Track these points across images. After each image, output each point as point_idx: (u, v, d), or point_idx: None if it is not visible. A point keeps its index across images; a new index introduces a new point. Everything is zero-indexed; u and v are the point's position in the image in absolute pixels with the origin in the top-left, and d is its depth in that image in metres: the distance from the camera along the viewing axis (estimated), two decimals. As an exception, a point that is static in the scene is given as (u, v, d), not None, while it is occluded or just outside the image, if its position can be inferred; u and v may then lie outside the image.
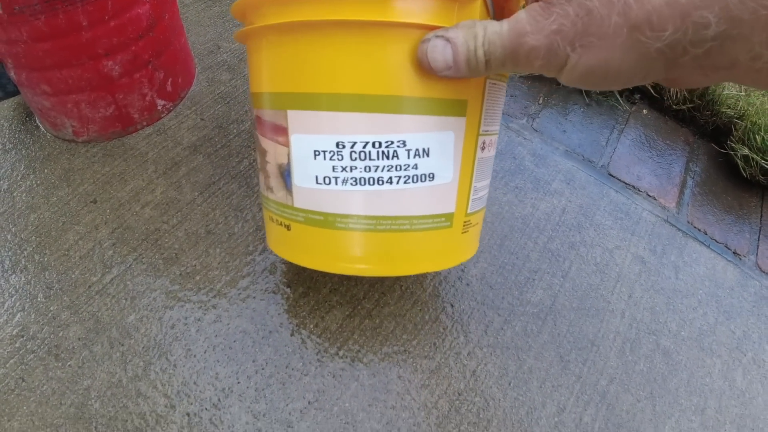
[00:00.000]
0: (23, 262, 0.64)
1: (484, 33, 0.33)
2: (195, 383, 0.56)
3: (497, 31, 0.33)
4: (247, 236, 0.67)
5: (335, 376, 0.58)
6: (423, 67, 0.38)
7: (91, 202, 0.69)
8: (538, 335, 0.65)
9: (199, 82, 0.82)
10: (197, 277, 0.63)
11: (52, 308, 0.61)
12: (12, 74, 0.68)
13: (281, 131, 0.46)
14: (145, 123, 0.76)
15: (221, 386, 0.56)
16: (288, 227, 0.49)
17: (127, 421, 0.54)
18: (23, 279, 0.63)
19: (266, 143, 0.49)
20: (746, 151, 0.86)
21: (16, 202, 0.70)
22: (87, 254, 0.65)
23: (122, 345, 0.59)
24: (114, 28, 0.65)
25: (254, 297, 0.62)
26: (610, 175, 0.84)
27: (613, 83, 0.31)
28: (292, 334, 0.60)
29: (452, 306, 0.65)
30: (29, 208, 0.69)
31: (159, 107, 0.76)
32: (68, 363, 0.57)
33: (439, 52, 0.36)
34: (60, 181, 0.71)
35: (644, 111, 0.95)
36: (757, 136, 0.86)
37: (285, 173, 0.48)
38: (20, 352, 0.57)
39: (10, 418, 0.54)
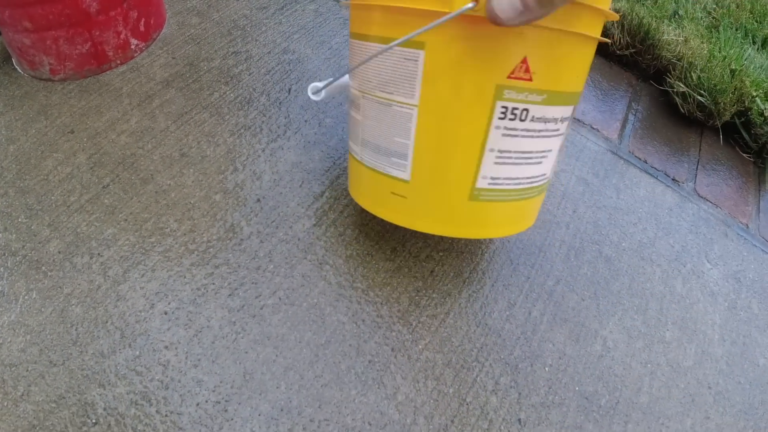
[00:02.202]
0: (4, 188, 0.67)
1: None
2: (172, 284, 0.61)
3: None
4: (218, 158, 0.71)
5: (304, 276, 0.63)
6: (497, 23, 0.40)
7: (68, 132, 0.73)
8: (489, 242, 0.70)
9: (170, 25, 0.86)
10: (172, 194, 0.67)
11: (33, 227, 0.64)
12: (-8, 13, 0.71)
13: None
14: (119, 61, 0.79)
15: (197, 286, 0.61)
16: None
17: (107, 322, 0.58)
18: (4, 203, 0.66)
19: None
20: (683, 88, 0.93)
21: (-6, 136, 0.73)
22: (66, 177, 0.68)
23: (101, 255, 0.63)
24: (89, -36, 0.68)
25: (226, 210, 0.66)
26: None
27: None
28: (262, 242, 0.65)
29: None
30: (8, 141, 0.72)
31: (132, 46, 0.79)
32: (49, 274, 0.61)
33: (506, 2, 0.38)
34: (38, 115, 0.75)
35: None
36: (692, 74, 0.93)
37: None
38: (1, 268, 0.61)
39: (-7, 326, 0.57)
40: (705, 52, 1.00)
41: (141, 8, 0.78)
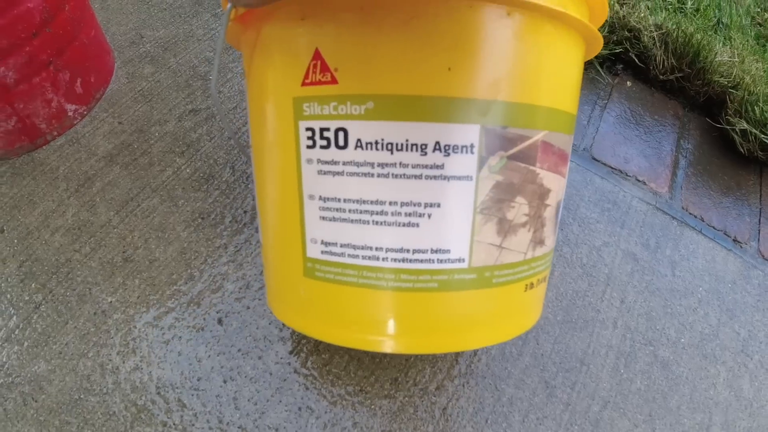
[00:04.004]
0: None
1: None
2: (112, 446, 0.47)
3: None
4: (170, 262, 0.57)
5: (278, 429, 0.49)
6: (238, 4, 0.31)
7: (-5, 230, 0.59)
8: (518, 359, 0.56)
9: (117, 78, 0.71)
10: (115, 316, 0.53)
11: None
12: None
13: (565, 159, 0.38)
14: (55, 133, 0.65)
15: (143, 449, 0.47)
16: (532, 285, 0.40)
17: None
18: None
19: (550, 179, 0.37)
20: (744, 125, 0.77)
21: None
22: (-10, 294, 0.55)
23: (36, 401, 0.49)
24: (1, 27, 0.54)
25: (180, 337, 0.52)
26: (594, 159, 0.74)
27: None
28: (224, 381, 0.51)
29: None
30: (-76, 242, 0.59)
31: (69, 113, 0.65)
32: (-28, 430, 0.48)
33: None
34: (-37, 207, 0.61)
35: (628, 83, 0.85)
36: (755, 108, 0.76)
37: (558, 212, 0.40)
38: None
39: None
40: (762, 73, 0.83)
41: (75, 67, 0.64)
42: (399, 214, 0.33)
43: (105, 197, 0.61)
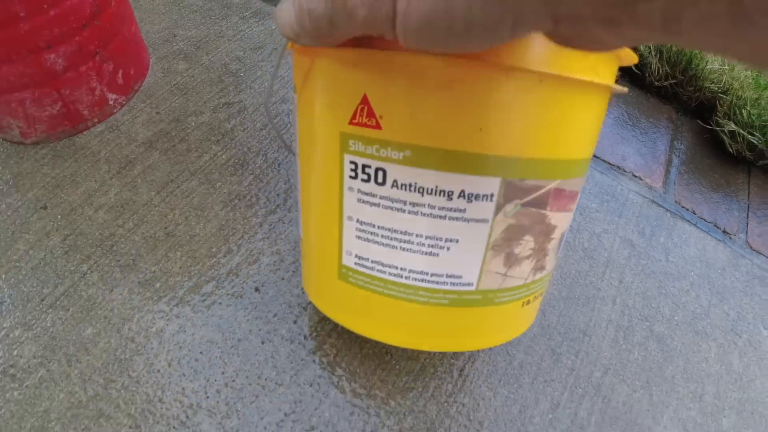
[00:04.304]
0: (-32, 277, 0.59)
1: None
2: (160, 400, 0.51)
3: None
4: (209, 237, 0.62)
5: (312, 384, 0.54)
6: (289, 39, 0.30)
7: (41, 208, 0.63)
8: (527, 329, 0.61)
9: (153, 73, 0.76)
10: (157, 284, 0.58)
11: (5, 325, 0.55)
12: (-51, 73, 0.62)
13: (575, 197, 0.43)
14: (96, 120, 0.70)
15: (188, 402, 0.51)
16: (529, 302, 0.46)
17: (86, 444, 0.49)
18: (-33, 294, 0.57)
19: (558, 218, 0.42)
20: (733, 127, 0.83)
21: (-42, 211, 0.64)
22: (38, 264, 0.59)
23: (80, 362, 0.54)
24: (54, 17, 0.59)
25: (220, 303, 0.57)
26: (594, 156, 0.80)
27: (467, 38, 0.20)
28: (263, 342, 0.55)
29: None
30: (-26, 218, 0.63)
31: (110, 102, 0.70)
32: (25, 383, 0.52)
33: (285, 15, 0.28)
34: (8, 187, 0.66)
35: (626, 88, 0.92)
36: (743, 111, 0.83)
37: (562, 241, 0.45)
38: (-36, 376, 0.52)
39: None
40: (750, 80, 0.90)
41: (118, 59, 0.69)
42: (423, 244, 0.38)
43: (146, 179, 0.65)
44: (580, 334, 0.62)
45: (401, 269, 0.40)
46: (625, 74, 0.93)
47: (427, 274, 0.39)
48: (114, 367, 0.53)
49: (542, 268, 0.44)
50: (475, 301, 0.41)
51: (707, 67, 0.88)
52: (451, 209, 0.37)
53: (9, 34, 0.57)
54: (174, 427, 0.50)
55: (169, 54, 0.78)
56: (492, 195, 0.36)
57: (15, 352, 0.54)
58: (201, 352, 0.54)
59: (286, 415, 0.52)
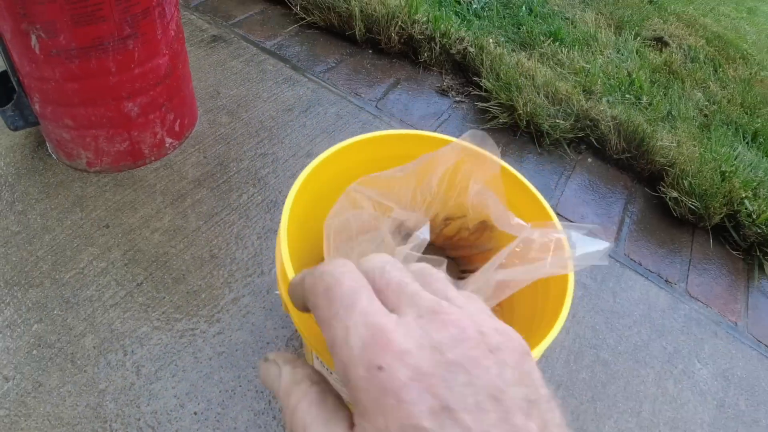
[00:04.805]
0: (39, 278, 0.72)
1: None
2: (202, 385, 0.65)
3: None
4: (246, 261, 0.76)
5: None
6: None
7: (104, 226, 0.78)
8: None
9: (201, 123, 0.92)
10: (203, 295, 0.72)
11: (68, 320, 0.68)
12: (36, 107, 0.77)
13: None
14: (153, 158, 0.85)
15: (225, 388, 0.65)
16: None
17: (140, 419, 0.62)
18: (40, 293, 0.70)
19: None
20: (675, 194, 1.00)
21: (30, 223, 0.77)
22: (101, 272, 0.73)
23: (135, 353, 0.67)
24: (138, 75, 0.75)
25: (254, 313, 0.71)
26: (558, 214, 0.96)
27: None
28: (286, 345, 0.69)
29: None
30: (44, 230, 0.77)
31: (167, 144, 0.85)
32: (84, 369, 0.65)
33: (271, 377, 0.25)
34: (73, 206, 0.80)
35: (589, 159, 1.10)
36: (684, 181, 1.00)
37: None
38: (37, 359, 0.65)
39: (27, 418, 0.61)
40: (696, 155, 1.08)
41: (177, 110, 0.84)
42: None
43: (195, 210, 0.80)
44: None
45: None
46: (590, 148, 1.11)
47: None
48: (165, 358, 0.67)
49: None
50: None
51: (658, 143, 1.06)
52: None
53: (100, 83, 0.73)
54: (212, 408, 0.63)
55: (215, 108, 0.95)
56: None
57: (77, 343, 0.67)
58: (237, 350, 0.68)
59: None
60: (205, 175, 0.85)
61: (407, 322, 0.20)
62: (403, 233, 0.66)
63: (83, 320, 0.69)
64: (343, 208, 0.49)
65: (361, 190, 0.50)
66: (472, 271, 0.67)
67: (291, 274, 0.44)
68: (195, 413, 0.63)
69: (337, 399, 0.22)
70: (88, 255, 0.75)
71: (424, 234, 0.44)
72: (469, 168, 0.54)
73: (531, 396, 0.19)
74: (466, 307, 0.21)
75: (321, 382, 0.23)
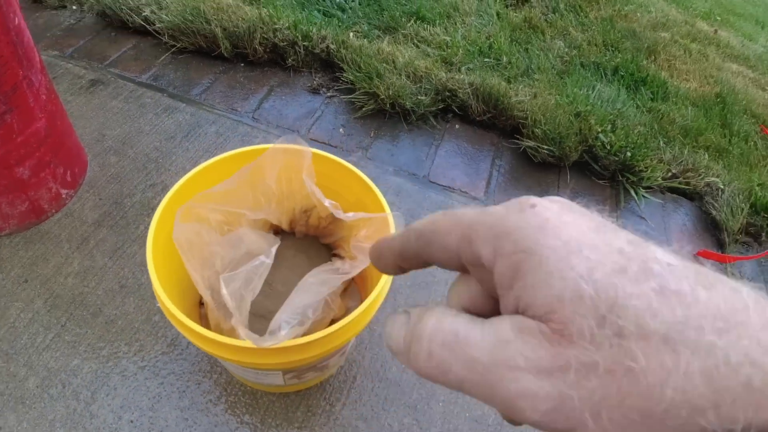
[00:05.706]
0: (-23, 340, 0.81)
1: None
2: (132, 397, 0.76)
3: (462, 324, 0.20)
4: (150, 285, 0.86)
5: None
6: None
7: (23, 281, 0.87)
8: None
9: (92, 168, 1.01)
10: (119, 322, 0.82)
11: (11, 369, 0.78)
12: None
13: None
14: (54, 211, 0.94)
15: (152, 395, 0.76)
16: None
17: (85, 438, 0.73)
18: (-20, 353, 0.79)
19: None
20: (531, 143, 1.14)
21: (-43, 294, 0.86)
22: (29, 322, 0.82)
23: (71, 384, 0.77)
24: (21, 143, 0.83)
25: (166, 327, 0.82)
26: (431, 181, 1.09)
27: None
28: (198, 349, 0.80)
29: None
30: (-29, 296, 0.85)
31: (63, 195, 0.94)
32: (33, 406, 0.75)
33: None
34: (-9, 270, 0.88)
35: (457, 126, 1.22)
36: (537, 129, 1.14)
37: None
38: (-10, 408, 0.75)
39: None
40: (552, 103, 1.21)
41: (65, 162, 0.93)
42: None
43: (99, 249, 0.90)
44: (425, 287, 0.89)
45: None
46: (456, 115, 1.24)
47: None
48: (98, 382, 0.77)
49: None
50: None
51: (513, 100, 1.19)
52: None
53: (-13, 158, 0.81)
54: (145, 414, 0.74)
55: (102, 151, 1.03)
56: None
57: (22, 386, 0.76)
58: (155, 365, 0.79)
59: (225, 390, 0.77)
60: (103, 215, 0.94)
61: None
62: (272, 231, 0.77)
63: (23, 366, 0.78)
64: (187, 223, 0.61)
65: (199, 206, 0.62)
66: (343, 257, 0.80)
67: (159, 290, 0.56)
68: (131, 421, 0.74)
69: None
70: (15, 309, 0.84)
71: (269, 258, 0.57)
72: (295, 163, 0.65)
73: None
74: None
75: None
